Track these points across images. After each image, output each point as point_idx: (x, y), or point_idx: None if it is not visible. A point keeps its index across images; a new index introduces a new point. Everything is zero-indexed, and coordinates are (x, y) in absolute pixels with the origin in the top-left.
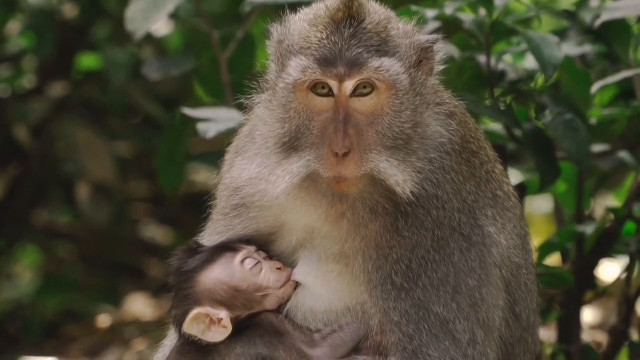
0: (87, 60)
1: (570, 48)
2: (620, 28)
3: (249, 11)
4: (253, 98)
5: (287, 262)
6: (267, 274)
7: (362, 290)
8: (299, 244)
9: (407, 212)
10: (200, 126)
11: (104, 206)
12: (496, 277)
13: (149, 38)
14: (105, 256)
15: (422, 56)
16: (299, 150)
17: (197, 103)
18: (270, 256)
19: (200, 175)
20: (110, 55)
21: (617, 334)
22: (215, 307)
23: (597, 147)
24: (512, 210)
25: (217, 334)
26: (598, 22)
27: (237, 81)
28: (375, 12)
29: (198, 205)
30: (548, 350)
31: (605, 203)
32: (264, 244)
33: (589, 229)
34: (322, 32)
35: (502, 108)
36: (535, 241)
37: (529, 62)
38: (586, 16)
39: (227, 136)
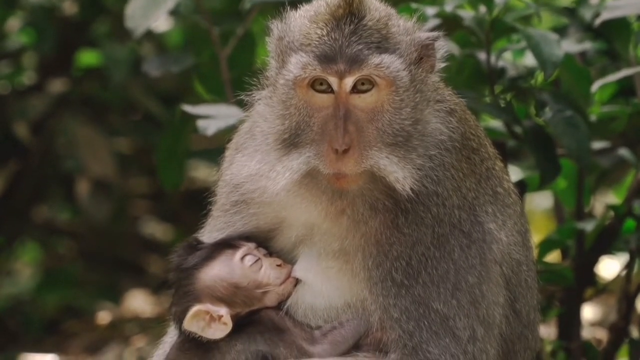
0: (87, 57)
1: (571, 45)
2: (620, 25)
3: (249, 8)
4: (253, 95)
5: (287, 258)
6: (268, 271)
7: (362, 287)
8: (299, 240)
9: (407, 209)
10: (201, 123)
11: (104, 203)
12: (497, 274)
13: (149, 35)
14: (105, 253)
15: (423, 53)
16: (299, 147)
17: (197, 100)
18: (270, 253)
19: (201, 172)
20: (110, 52)
21: (618, 331)
22: (215, 304)
23: (598, 145)
24: (512, 207)
25: (218, 331)
26: (598, 21)
27: (237, 78)
28: (376, 9)
29: (198, 202)
30: (548, 348)
31: (605, 200)
32: (264, 241)
33: (589, 226)
34: (322, 29)
35: (502, 105)
36: (535, 238)
37: (529, 59)
38: (586, 13)
39: (227, 133)
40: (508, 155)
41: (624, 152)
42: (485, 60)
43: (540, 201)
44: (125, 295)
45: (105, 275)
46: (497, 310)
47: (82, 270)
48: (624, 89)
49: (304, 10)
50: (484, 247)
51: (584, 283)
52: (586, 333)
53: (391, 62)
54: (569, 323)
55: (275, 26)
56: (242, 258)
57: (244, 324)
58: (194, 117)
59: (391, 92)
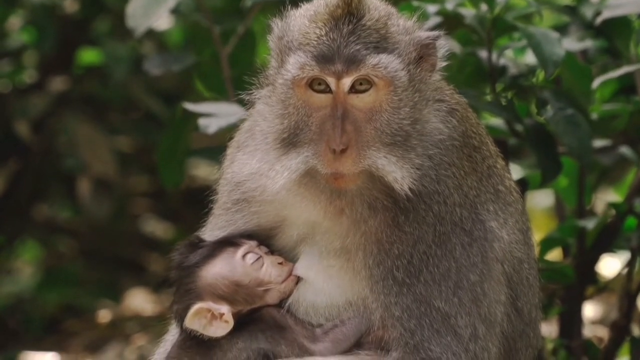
0: (88, 56)
1: (572, 43)
2: (621, 24)
3: (250, 6)
4: (254, 94)
5: (288, 257)
6: (269, 269)
7: (363, 286)
8: (300, 239)
9: (407, 207)
10: (202, 121)
11: (105, 201)
12: (498, 272)
13: (149, 33)
14: (106, 251)
15: (424, 53)
16: (298, 147)
17: (198, 99)
18: (271, 251)
19: (201, 170)
20: (111, 51)
21: (619, 329)
22: (217, 302)
23: (599, 143)
24: (514, 205)
25: (219, 329)
26: (599, 19)
27: (238, 76)
28: (375, 8)
29: (199, 200)
30: (549, 346)
31: (607, 198)
32: (265, 239)
33: (590, 224)
34: (321, 29)
35: (503, 103)
36: (536, 236)
37: (531, 57)
38: (587, 12)
39: (228, 131)
40: (509, 154)
41: (625, 150)
42: (487, 58)
43: (541, 199)
44: (125, 294)
45: (106, 273)
46: (498, 308)
47: (83, 268)
48: (625, 87)
49: (304, 9)
50: (485, 245)
51: (585, 281)
52: (587, 331)
53: (389, 62)
54: (570, 321)
55: (276, 25)
56: (244, 256)
57: (245, 322)
58: (194, 116)
59: (389, 92)
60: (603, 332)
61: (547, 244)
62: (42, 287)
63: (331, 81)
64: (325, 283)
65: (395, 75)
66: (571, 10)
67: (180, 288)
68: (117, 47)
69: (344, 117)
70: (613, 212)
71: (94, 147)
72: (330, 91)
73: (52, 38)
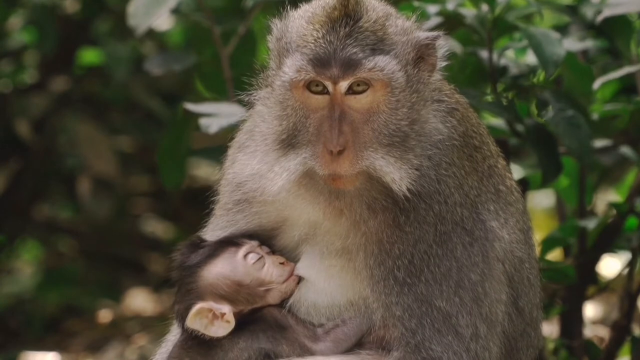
0: (89, 55)
1: (572, 43)
2: (622, 23)
3: (251, 6)
4: (253, 94)
5: (290, 257)
6: (270, 269)
7: (364, 286)
8: (301, 239)
9: (408, 207)
10: (203, 121)
11: (105, 201)
12: (499, 271)
13: (150, 33)
14: (106, 251)
15: (423, 53)
16: (296, 148)
17: (198, 99)
18: (273, 251)
19: (202, 170)
20: (112, 50)
21: (620, 329)
22: (218, 302)
23: (599, 143)
24: (514, 205)
25: (220, 329)
26: (600, 18)
27: (238, 77)
28: (374, 9)
29: (199, 200)
30: (550, 345)
31: (607, 198)
32: (267, 239)
33: (591, 224)
34: (318, 31)
35: (504, 103)
36: (537, 236)
37: (531, 57)
38: (588, 11)
39: (228, 131)
40: (510, 154)
41: (625, 150)
42: (487, 58)
43: (542, 199)
44: (126, 294)
45: (106, 273)
46: (499, 307)
47: (83, 268)
48: (626, 87)
49: (303, 11)
50: (486, 244)
51: (586, 281)
52: (588, 331)
53: (386, 64)
54: (571, 321)
55: (275, 26)
56: (245, 256)
57: (246, 322)
58: (195, 116)
59: (387, 93)
60: (604, 332)
61: (548, 244)
62: (43, 287)
63: (328, 84)
64: (326, 283)
65: (392, 77)
66: (572, 10)
67: (181, 288)
68: (117, 47)
69: (341, 118)
70: (614, 212)
71: (94, 147)
72: (327, 92)
73: (53, 38)
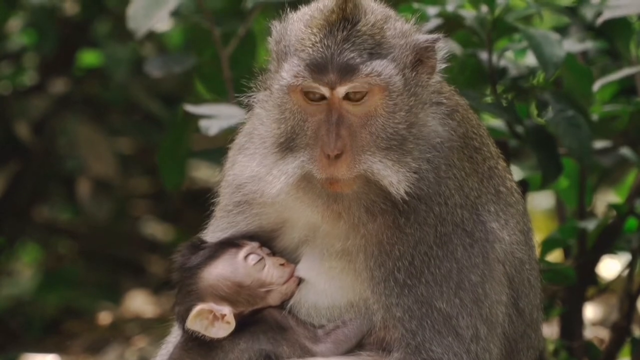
0: (88, 57)
1: (572, 45)
2: (621, 25)
3: (250, 8)
4: (253, 96)
5: (290, 258)
6: (271, 270)
7: (364, 287)
8: (301, 241)
9: (407, 209)
10: (203, 123)
11: (105, 203)
12: (499, 273)
13: (150, 35)
14: (106, 253)
15: (422, 56)
16: (295, 151)
17: (198, 100)
18: (273, 252)
19: (201, 172)
20: (111, 52)
21: (619, 330)
22: (218, 303)
23: (599, 144)
24: (515, 206)
25: (221, 330)
26: (600, 20)
27: (238, 78)
28: (372, 12)
29: (199, 202)
30: (550, 347)
31: (607, 199)
32: (267, 241)
33: (591, 226)
34: (315, 35)
35: (504, 105)
36: (537, 238)
37: (531, 59)
38: (587, 13)
39: (228, 133)
40: (510, 155)
41: (625, 151)
42: (487, 59)
43: (542, 201)
44: (125, 296)
45: (106, 275)
46: (500, 309)
47: (83, 270)
48: (626, 88)
49: (302, 13)
50: (486, 246)
51: (586, 282)
52: (588, 332)
53: (383, 68)
54: (571, 322)
55: (275, 28)
56: (246, 257)
57: (247, 323)
58: (195, 117)
59: (384, 97)
60: (604, 333)
61: (548, 245)
62: (42, 289)
63: (325, 90)
64: (326, 284)
65: (389, 81)
66: (571, 12)
67: (182, 289)
68: (117, 48)
69: (338, 122)
70: (614, 213)
71: (94, 149)
72: (325, 98)
73: (53, 40)
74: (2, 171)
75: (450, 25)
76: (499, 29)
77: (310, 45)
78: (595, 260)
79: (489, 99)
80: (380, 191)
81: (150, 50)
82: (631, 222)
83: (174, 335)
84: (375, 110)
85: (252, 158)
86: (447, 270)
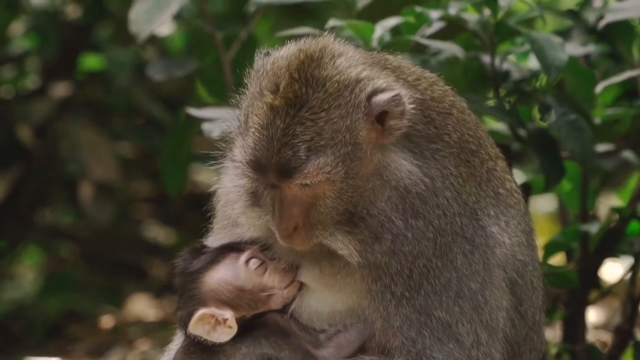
0: (91, 61)
1: (574, 48)
2: (624, 28)
3: (252, 12)
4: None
5: (291, 262)
6: (272, 274)
7: (362, 297)
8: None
9: (404, 229)
10: (205, 126)
11: (107, 206)
12: (500, 278)
13: (152, 39)
14: (108, 256)
15: (379, 120)
16: (261, 206)
17: (200, 104)
18: (275, 257)
19: (204, 175)
20: (114, 56)
21: (622, 333)
22: (220, 308)
23: (601, 147)
24: (515, 207)
25: (223, 335)
26: (602, 23)
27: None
28: (322, 85)
29: (201, 205)
30: (553, 350)
31: (610, 203)
32: (268, 245)
33: (593, 229)
34: (261, 120)
35: (506, 108)
36: (540, 241)
37: (533, 62)
38: (590, 16)
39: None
40: (512, 158)
41: (627, 154)
42: (490, 63)
43: (544, 204)
44: (128, 299)
45: (108, 279)
46: (500, 314)
47: (85, 274)
48: (628, 91)
49: (276, 59)
50: (487, 251)
51: (589, 285)
52: (591, 336)
53: (323, 165)
54: (574, 325)
55: (259, 61)
56: (247, 261)
57: (249, 327)
58: (197, 121)
59: (328, 186)
60: (606, 337)
61: (551, 248)
62: (45, 293)
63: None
64: (327, 291)
65: (329, 177)
66: (574, 15)
67: (183, 294)
68: (119, 52)
69: (289, 203)
70: (616, 216)
71: (96, 153)
72: None
73: (55, 44)
74: (4, 175)
75: (453, 28)
76: (502, 32)
77: (255, 130)
78: (597, 264)
79: (491, 103)
80: None
81: (152, 54)
82: (634, 225)
83: (176, 343)
84: (323, 193)
85: (231, 181)
86: (447, 280)
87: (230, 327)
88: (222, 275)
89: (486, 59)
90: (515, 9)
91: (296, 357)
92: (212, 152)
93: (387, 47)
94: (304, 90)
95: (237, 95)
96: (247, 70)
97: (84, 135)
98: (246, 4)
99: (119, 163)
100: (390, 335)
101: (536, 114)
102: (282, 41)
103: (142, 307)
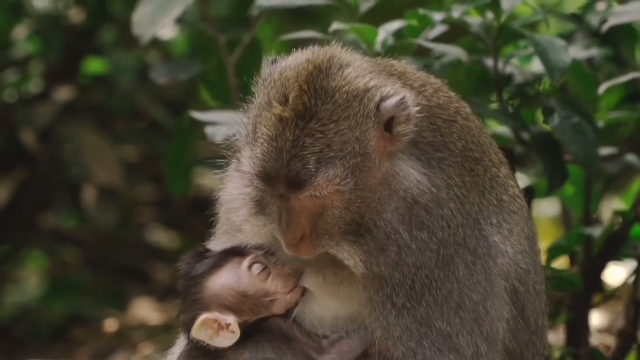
0: (94, 65)
1: (578, 51)
2: (627, 31)
3: (256, 15)
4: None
5: (294, 267)
6: (275, 279)
7: (363, 307)
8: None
9: (408, 240)
10: (209, 129)
11: (110, 210)
12: (501, 288)
13: (155, 42)
14: (111, 260)
15: (387, 128)
16: (266, 214)
17: (203, 107)
18: (278, 261)
19: (207, 179)
20: (117, 60)
21: (625, 337)
22: (223, 312)
23: (605, 150)
24: (518, 213)
25: (226, 339)
26: (605, 27)
27: (243, 85)
28: (332, 94)
29: (204, 209)
30: (556, 354)
31: (613, 206)
32: (271, 249)
33: (596, 232)
34: (270, 131)
35: (509, 111)
36: (542, 245)
37: (537, 65)
38: (593, 19)
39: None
40: (515, 162)
41: (631, 157)
42: (493, 66)
43: (547, 208)
44: (131, 303)
45: (111, 282)
46: (500, 325)
47: (88, 277)
48: (631, 94)
49: (280, 72)
50: (489, 261)
51: (592, 289)
52: (594, 339)
53: (332, 177)
54: (577, 329)
55: (266, 68)
56: (250, 266)
57: (251, 332)
58: (200, 124)
59: (336, 197)
60: (610, 340)
61: (554, 251)
62: (48, 297)
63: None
64: (329, 297)
65: (338, 188)
66: (577, 19)
67: (186, 298)
68: (122, 56)
69: (297, 212)
70: (619, 219)
71: (99, 156)
72: None
73: (58, 47)
74: (7, 179)
75: (456, 31)
76: (505, 35)
77: (264, 141)
78: (600, 267)
79: (494, 106)
80: None
81: (156, 57)
82: (637, 228)
83: (179, 347)
84: (331, 203)
85: (235, 188)
86: (449, 291)
87: (233, 331)
88: (224, 280)
89: (489, 62)
90: (518, 13)
91: None
92: (215, 157)
93: (390, 50)
94: (313, 101)
95: (243, 104)
96: (251, 74)
97: (87, 139)
98: (249, 8)
99: (123, 167)
100: (391, 345)
101: (539, 117)
102: (286, 45)
103: (145, 310)
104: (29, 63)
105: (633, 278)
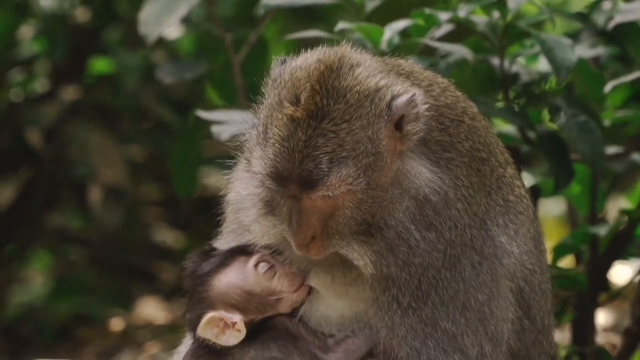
0: (100, 64)
1: (584, 50)
2: (633, 30)
3: (262, 14)
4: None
5: (301, 266)
6: (281, 278)
7: (368, 306)
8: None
9: (417, 239)
10: (215, 129)
11: (116, 210)
12: (507, 289)
13: (160, 42)
14: (117, 260)
15: (398, 127)
16: (276, 215)
17: (209, 107)
18: (285, 260)
19: (213, 179)
20: (123, 59)
21: (631, 336)
22: (229, 311)
23: (611, 150)
24: (524, 213)
25: (231, 338)
26: (611, 25)
27: (250, 84)
28: (344, 94)
29: (210, 209)
30: (562, 353)
31: (619, 205)
32: (278, 248)
33: (602, 231)
34: (281, 131)
35: (516, 110)
36: (548, 245)
37: (543, 64)
38: (599, 18)
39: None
40: (522, 161)
41: (637, 156)
42: (499, 65)
43: (553, 207)
44: (137, 302)
45: (117, 282)
46: (505, 326)
47: (94, 277)
48: (637, 93)
49: (290, 73)
50: (495, 262)
51: (598, 288)
52: (600, 338)
53: (345, 177)
54: (583, 328)
55: (275, 69)
56: (256, 265)
57: (257, 331)
58: (206, 124)
59: (348, 197)
60: (616, 339)
61: (560, 251)
62: (54, 296)
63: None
64: (335, 296)
65: (351, 188)
66: (583, 18)
67: (192, 297)
68: (128, 56)
69: (308, 213)
70: (625, 218)
71: (105, 156)
72: None
73: (64, 47)
74: (13, 178)
75: (462, 31)
76: (511, 34)
77: (276, 141)
78: (606, 266)
79: (500, 105)
80: None
81: (161, 57)
82: None
83: (185, 346)
84: (343, 203)
85: (244, 188)
86: (455, 292)
87: (238, 330)
88: (231, 279)
89: (495, 61)
90: (524, 12)
91: None
92: (221, 157)
93: (396, 49)
94: (326, 101)
95: (252, 104)
96: (257, 73)
97: (93, 138)
98: (255, 7)
99: (128, 166)
100: (395, 344)
101: (545, 116)
102: (292, 44)
103: (151, 310)
104: (34, 63)
105: (639, 277)
